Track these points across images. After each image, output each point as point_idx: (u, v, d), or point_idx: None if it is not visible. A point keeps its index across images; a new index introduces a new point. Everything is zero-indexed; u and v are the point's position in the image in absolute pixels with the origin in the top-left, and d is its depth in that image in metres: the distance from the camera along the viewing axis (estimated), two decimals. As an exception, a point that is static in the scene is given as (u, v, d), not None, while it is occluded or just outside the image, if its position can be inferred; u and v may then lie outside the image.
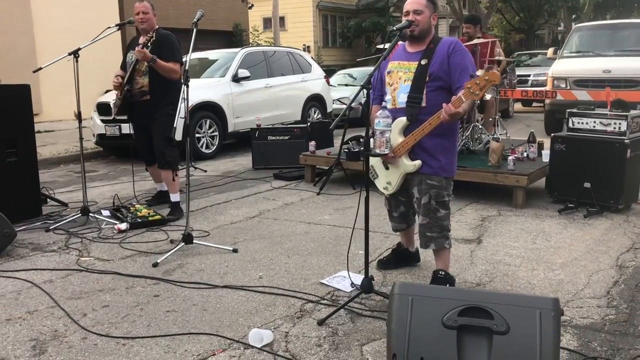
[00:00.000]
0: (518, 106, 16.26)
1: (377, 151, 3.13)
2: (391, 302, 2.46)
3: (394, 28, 3.25)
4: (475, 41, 6.45)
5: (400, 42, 3.44)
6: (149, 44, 4.96)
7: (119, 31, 5.09)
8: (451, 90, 3.31)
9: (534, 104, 16.40)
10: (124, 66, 5.36)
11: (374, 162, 3.59)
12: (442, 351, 2.31)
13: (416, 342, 2.34)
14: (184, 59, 4.43)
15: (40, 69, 4.82)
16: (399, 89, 3.38)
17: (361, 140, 3.29)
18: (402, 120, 3.34)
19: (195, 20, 4.16)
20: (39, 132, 11.91)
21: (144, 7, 5.09)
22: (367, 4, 29.61)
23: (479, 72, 3.10)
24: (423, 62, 3.32)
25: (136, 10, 5.11)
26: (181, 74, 4.13)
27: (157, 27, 5.24)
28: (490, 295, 2.43)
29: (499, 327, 2.29)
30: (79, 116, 5.02)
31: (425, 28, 3.33)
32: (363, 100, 3.17)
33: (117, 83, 5.16)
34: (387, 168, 3.52)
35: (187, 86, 4.10)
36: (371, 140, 3.22)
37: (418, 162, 3.35)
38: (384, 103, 3.36)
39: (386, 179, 3.56)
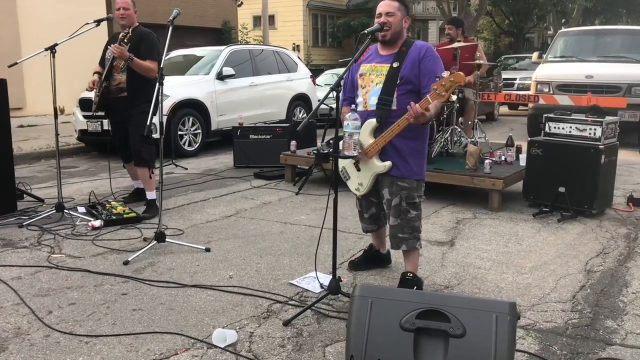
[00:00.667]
0: (504, 109, 16.36)
1: (346, 153, 3.15)
2: (351, 303, 2.47)
3: (365, 31, 3.27)
4: (456, 44, 6.48)
5: (372, 45, 3.46)
6: (125, 40, 4.94)
7: (107, 26, 5.06)
8: (420, 94, 3.35)
9: (520, 108, 16.48)
10: (102, 62, 5.34)
11: (346, 163, 3.61)
12: (399, 353, 2.33)
13: (374, 344, 2.36)
14: (161, 58, 4.42)
15: (16, 63, 4.79)
16: (370, 92, 3.40)
17: (331, 141, 3.29)
18: (372, 122, 3.36)
19: (171, 17, 4.15)
20: (21, 126, 11.89)
21: (124, 2, 5.07)
22: (357, 4, 29.66)
23: (445, 74, 3.12)
24: (395, 65, 3.34)
25: (117, 5, 5.09)
26: (160, 71, 4.11)
27: (137, 24, 5.22)
28: (449, 299, 2.45)
29: (455, 331, 2.31)
30: (55, 112, 4.99)
31: (397, 30, 3.35)
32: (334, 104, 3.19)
33: (91, 86, 5.14)
34: (358, 169, 3.54)
35: (162, 84, 4.07)
36: (340, 142, 3.23)
37: (388, 163, 3.37)
38: (353, 106, 3.37)
39: (358, 180, 3.58)
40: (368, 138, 3.37)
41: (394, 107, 3.32)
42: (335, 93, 3.10)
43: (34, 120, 12.47)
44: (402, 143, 3.35)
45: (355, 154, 3.17)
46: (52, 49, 4.81)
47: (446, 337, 2.31)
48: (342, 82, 3.17)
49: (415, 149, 3.42)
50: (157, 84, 4.06)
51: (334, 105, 3.39)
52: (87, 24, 4.97)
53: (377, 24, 3.33)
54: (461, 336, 2.30)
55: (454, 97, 5.85)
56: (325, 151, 3.45)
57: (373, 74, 3.41)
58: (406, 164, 3.38)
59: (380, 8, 3.33)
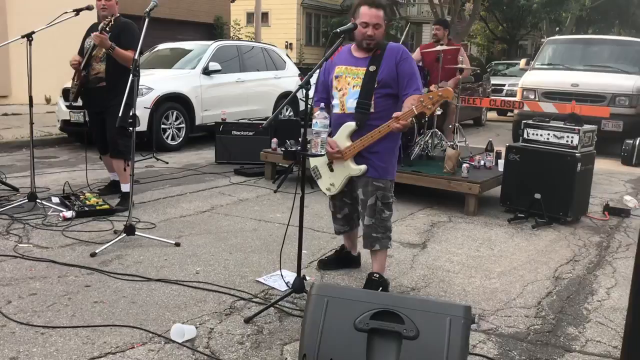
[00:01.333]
0: (493, 115, 16.39)
1: (313, 151, 3.13)
2: (308, 302, 2.46)
3: (338, 30, 3.25)
4: (439, 47, 6.48)
5: (344, 45, 3.45)
6: (107, 29, 4.89)
7: (94, 15, 5.03)
8: (397, 96, 3.35)
9: (509, 114, 16.55)
10: (81, 52, 5.29)
11: (318, 162, 3.60)
12: (352, 353, 2.32)
13: (327, 343, 2.34)
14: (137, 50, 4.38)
15: (-9, 50, 4.73)
16: (347, 94, 3.40)
17: (299, 139, 3.29)
18: (351, 125, 3.36)
19: (147, 9, 4.12)
20: (5, 114, 11.77)
21: None
22: (351, 4, 29.60)
23: (432, 87, 3.16)
24: (371, 68, 3.34)
25: None
26: (134, 63, 4.07)
27: (118, 14, 5.18)
28: (404, 300, 2.45)
29: (408, 332, 2.30)
30: (30, 100, 4.95)
31: (379, 41, 3.36)
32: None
33: (75, 62, 5.08)
34: (331, 170, 3.54)
35: (137, 76, 4.04)
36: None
37: (363, 167, 3.39)
38: (322, 106, 3.35)
39: (329, 180, 3.58)
40: (345, 141, 3.38)
41: (372, 109, 3.34)
42: (304, 91, 3.08)
43: (18, 109, 12.34)
44: (379, 145, 3.35)
45: (323, 152, 3.16)
46: (28, 36, 4.76)
47: (399, 338, 2.30)
48: (317, 80, 3.16)
49: (390, 149, 3.44)
50: (131, 75, 4.02)
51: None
52: (66, 12, 4.93)
53: (350, 24, 3.32)
54: (414, 338, 2.29)
55: (439, 112, 5.91)
56: (293, 149, 3.43)
57: (349, 77, 3.41)
58: (382, 165, 3.40)
59: (367, 18, 3.29)
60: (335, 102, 3.47)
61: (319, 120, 3.10)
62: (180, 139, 8.96)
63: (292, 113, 11.30)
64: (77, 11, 4.99)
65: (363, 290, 2.85)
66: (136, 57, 4.09)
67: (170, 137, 8.78)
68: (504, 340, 3.01)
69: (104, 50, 4.96)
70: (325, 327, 2.37)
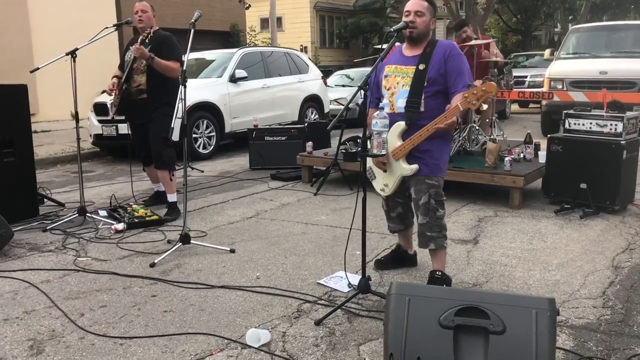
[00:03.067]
0: (515, 107, 16.30)
1: (375, 152, 3.14)
2: (388, 302, 2.47)
3: (391, 29, 3.27)
4: (472, 42, 6.46)
5: (397, 44, 3.46)
6: (146, 40, 4.96)
7: (116, 31, 5.10)
8: (447, 94, 3.35)
9: (531, 105, 16.45)
10: (122, 66, 5.37)
11: (372, 164, 3.61)
12: (439, 351, 2.32)
13: (413, 341, 2.35)
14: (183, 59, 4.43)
15: (38, 69, 4.82)
16: (397, 94, 3.40)
17: (358, 140, 3.29)
18: (401, 124, 3.37)
19: (192, 20, 4.18)
20: (35, 132, 11.88)
21: (143, 6, 5.10)
22: (364, 5, 29.63)
23: (477, 83, 3.14)
24: (421, 67, 3.34)
25: (135, 9, 5.12)
26: (182, 74, 4.13)
27: (157, 27, 5.25)
28: (487, 295, 2.44)
29: (495, 327, 2.30)
30: (76, 116, 5.02)
31: (423, 32, 3.35)
32: (360, 101, 3.19)
33: (110, 88, 5.16)
34: (384, 170, 3.54)
35: (185, 86, 4.09)
36: (368, 141, 3.22)
37: (415, 167, 3.38)
38: (381, 105, 3.36)
39: (383, 181, 3.59)
40: (396, 140, 3.38)
41: (421, 109, 3.33)
42: (362, 92, 3.10)
43: (47, 126, 12.52)
44: (431, 142, 3.35)
45: (384, 152, 3.17)
46: (72, 53, 4.84)
47: (486, 334, 2.30)
48: (369, 81, 3.16)
49: (442, 147, 3.44)
50: (181, 85, 4.07)
51: (351, 106, 3.39)
52: (107, 27, 5.00)
53: (402, 22, 3.33)
54: (501, 333, 2.29)
55: (485, 107, 5.87)
56: (353, 150, 3.44)
57: (398, 76, 3.41)
58: (434, 162, 3.39)
59: (410, 6, 3.32)
60: (384, 101, 3.47)
61: (379, 120, 3.11)
62: (212, 147, 9.03)
63: (317, 116, 11.36)
64: (117, 26, 5.09)
65: (442, 287, 2.85)
66: (184, 67, 4.14)
67: (201, 146, 8.85)
68: (577, 332, 3.00)
69: (144, 62, 5.02)
70: (410, 326, 2.37)
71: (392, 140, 3.39)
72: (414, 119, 3.34)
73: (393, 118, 3.38)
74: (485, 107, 6.07)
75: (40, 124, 12.94)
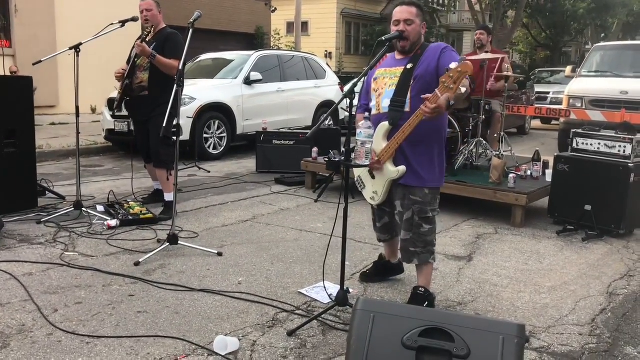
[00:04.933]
0: (537, 123, 16.06)
1: (358, 162, 3.07)
2: (353, 317, 2.39)
3: (383, 38, 3.19)
4: (483, 56, 6.35)
5: (390, 54, 3.39)
6: (147, 39, 4.96)
7: (139, 27, 5.13)
8: None
9: (553, 122, 16.17)
10: (129, 62, 5.37)
11: (361, 172, 3.53)
12: (400, 372, 2.24)
13: (374, 360, 2.27)
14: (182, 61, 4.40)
15: (40, 62, 4.84)
16: (383, 94, 3.31)
17: (342, 150, 3.22)
18: (385, 125, 3.25)
19: (191, 20, 4.15)
20: (53, 124, 12.10)
21: (147, 4, 5.11)
22: (391, 13, 29.55)
23: (453, 65, 2.94)
24: (409, 66, 3.25)
25: (140, 8, 5.13)
26: (178, 74, 4.10)
27: (164, 25, 5.25)
28: (454, 318, 2.35)
29: (459, 351, 2.21)
30: (76, 110, 5.03)
31: (415, 40, 3.26)
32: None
33: (119, 74, 5.17)
34: (373, 177, 3.45)
35: (180, 86, 4.07)
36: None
37: (402, 168, 3.24)
38: (367, 114, 3.29)
39: (372, 189, 3.50)
40: (381, 142, 3.27)
41: (407, 109, 3.20)
42: (349, 100, 3.03)
43: (65, 119, 12.68)
44: (410, 149, 3.24)
45: (367, 162, 3.09)
46: (76, 48, 4.85)
47: (449, 357, 2.21)
48: (356, 90, 3.08)
49: (425, 155, 3.27)
50: (175, 85, 4.05)
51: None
52: (112, 24, 5.01)
53: (395, 32, 3.25)
54: (465, 357, 2.20)
55: (463, 90, 5.70)
56: (337, 159, 3.37)
57: (387, 77, 3.33)
58: (415, 174, 3.26)
59: (398, 15, 3.24)
60: (372, 103, 3.39)
61: (364, 130, 3.04)
62: (222, 148, 9.03)
63: (331, 122, 11.28)
64: (123, 22, 5.07)
65: (410, 306, 2.76)
66: (180, 67, 4.10)
67: (212, 146, 8.85)
68: (558, 360, 2.88)
69: (147, 59, 5.01)
70: (372, 344, 2.29)
71: (377, 142, 3.26)
72: (397, 119, 3.19)
73: (379, 118, 3.27)
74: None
75: (59, 116, 13.14)
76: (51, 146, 9.20)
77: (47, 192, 5.85)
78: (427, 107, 2.94)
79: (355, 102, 3.10)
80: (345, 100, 3.04)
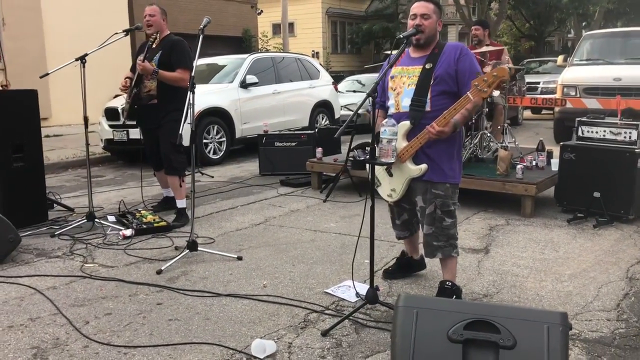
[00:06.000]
0: (527, 114, 16.17)
1: (383, 160, 3.09)
2: (396, 314, 2.42)
3: (401, 35, 3.21)
4: (484, 49, 6.40)
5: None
6: (152, 46, 4.96)
7: (128, 36, 5.11)
8: (456, 95, 3.28)
9: (544, 112, 16.31)
10: (133, 69, 5.36)
11: (377, 170, 3.54)
12: (448, 365, 2.26)
13: (421, 355, 2.30)
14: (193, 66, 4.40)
15: (48, 74, 4.82)
16: (402, 94, 3.33)
17: (367, 148, 3.23)
18: (406, 124, 3.27)
19: (201, 26, 4.15)
20: (47, 136, 11.98)
21: (151, 10, 5.09)
22: (376, 10, 29.61)
23: (487, 69, 3.03)
24: (427, 66, 3.28)
25: (144, 13, 5.11)
26: (191, 80, 4.10)
27: (168, 32, 5.24)
28: (497, 309, 2.38)
29: (505, 342, 2.24)
30: (85, 121, 5.00)
31: (431, 35, 3.29)
32: (370, 108, 3.14)
33: (124, 84, 5.15)
34: (390, 175, 3.46)
35: (193, 92, 4.07)
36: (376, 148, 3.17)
37: (424, 166, 3.28)
38: (389, 113, 3.31)
39: (390, 186, 3.50)
40: (401, 141, 3.29)
41: (427, 108, 3.25)
42: (371, 99, 3.05)
43: (59, 130, 12.60)
44: (436, 148, 3.28)
45: (393, 160, 3.12)
46: (82, 59, 4.84)
47: (496, 348, 2.24)
48: (377, 88, 3.11)
49: (449, 153, 3.34)
50: (189, 91, 4.05)
51: (360, 112, 3.33)
52: (117, 33, 5.00)
53: (412, 29, 3.27)
54: (512, 347, 2.23)
55: (496, 93, 5.70)
56: (362, 158, 3.39)
57: (405, 76, 3.35)
58: (438, 168, 3.30)
59: (416, 9, 3.27)
60: (390, 102, 3.40)
61: (388, 128, 3.06)
62: (222, 152, 9.02)
63: (327, 122, 11.32)
64: (127, 31, 5.08)
65: (451, 300, 2.80)
66: (192, 73, 4.10)
67: (212, 151, 8.84)
68: (591, 346, 2.92)
69: (153, 68, 5.00)
70: (417, 340, 2.32)
71: (398, 141, 3.30)
72: (418, 118, 3.24)
73: (398, 117, 3.29)
74: (496, 93, 5.94)
75: (52, 128, 13.04)
76: (49, 159, 9.12)
77: (54, 205, 5.82)
78: (434, 128, 3.09)
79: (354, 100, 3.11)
80: (368, 99, 3.04)
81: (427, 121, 3.21)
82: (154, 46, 5.03)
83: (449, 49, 3.30)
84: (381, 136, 3.08)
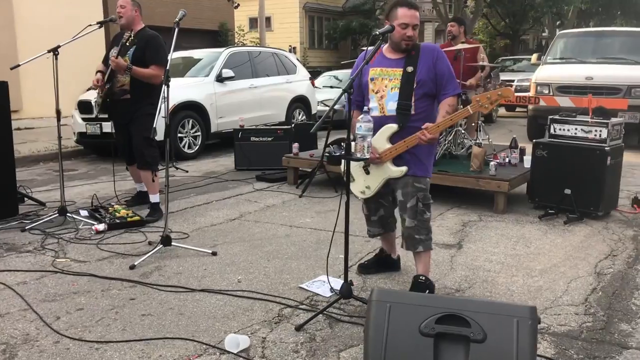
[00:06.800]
0: (502, 111, 16.38)
1: (358, 155, 3.11)
2: (369, 308, 2.44)
3: (377, 32, 3.23)
4: (459, 46, 6.46)
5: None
6: (127, 43, 4.90)
7: (102, 28, 5.04)
8: (435, 97, 3.35)
9: (518, 109, 16.52)
10: (106, 61, 5.28)
11: (352, 166, 3.57)
12: (419, 359, 2.29)
13: (393, 349, 2.32)
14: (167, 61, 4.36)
15: (19, 65, 4.74)
16: (386, 97, 3.37)
17: (342, 144, 3.26)
18: (393, 127, 3.34)
19: (177, 19, 4.11)
20: (18, 129, 11.78)
21: (122, 1, 5.03)
22: (353, 6, 29.67)
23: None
24: (409, 69, 3.33)
25: (117, 4, 5.04)
26: (165, 73, 4.06)
27: (142, 26, 5.17)
28: (468, 303, 2.42)
29: (476, 335, 2.27)
30: (57, 115, 4.93)
31: (415, 41, 3.35)
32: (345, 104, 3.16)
33: (95, 83, 5.09)
34: (367, 172, 3.50)
35: (168, 86, 4.03)
36: (352, 144, 3.19)
37: (404, 168, 3.37)
38: (366, 109, 3.33)
39: (365, 183, 3.54)
40: (385, 143, 3.35)
41: (412, 111, 3.33)
42: (346, 95, 3.06)
43: (30, 123, 12.37)
44: (416, 145, 3.33)
45: (368, 156, 3.13)
46: (54, 51, 4.76)
47: (467, 342, 2.28)
48: (353, 84, 3.13)
49: (429, 149, 3.43)
50: (164, 85, 4.01)
51: (337, 107, 3.36)
52: (90, 25, 4.93)
53: (388, 26, 3.30)
54: (482, 341, 2.27)
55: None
56: (337, 154, 3.40)
57: (385, 79, 3.38)
58: (421, 164, 3.39)
59: (409, 19, 3.27)
60: (373, 104, 3.43)
61: (363, 124, 3.07)
62: (197, 147, 8.96)
63: (304, 117, 11.32)
64: (101, 23, 5.00)
65: (424, 294, 2.83)
66: (167, 67, 4.06)
67: (186, 146, 8.78)
68: (559, 340, 2.98)
69: (127, 63, 4.94)
70: (390, 334, 2.35)
71: (381, 142, 3.35)
72: (406, 122, 3.33)
73: (384, 121, 3.35)
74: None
75: (23, 121, 12.78)
76: (20, 152, 8.95)
77: (25, 199, 5.72)
78: (425, 136, 3.21)
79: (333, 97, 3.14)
80: (343, 95, 3.06)
81: (412, 123, 3.31)
82: (127, 44, 4.96)
83: (425, 51, 3.36)
84: (356, 132, 3.10)
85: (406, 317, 2.37)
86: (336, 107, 3.29)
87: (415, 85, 3.30)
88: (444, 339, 2.30)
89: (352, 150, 3.12)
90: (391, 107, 3.34)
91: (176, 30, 4.09)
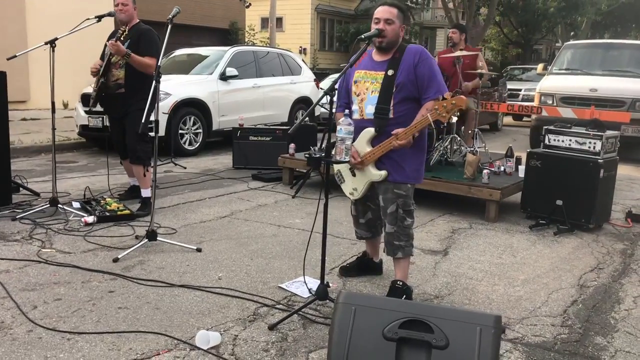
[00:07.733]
0: (509, 120, 16.30)
1: (338, 158, 3.12)
2: (335, 310, 2.45)
3: (362, 36, 3.24)
4: (458, 53, 6.45)
5: (368, 49, 3.44)
6: (122, 38, 4.94)
7: (113, 21, 5.07)
8: (418, 100, 3.33)
9: (525, 119, 16.44)
10: (103, 57, 5.32)
11: (341, 167, 3.59)
12: (381, 363, 2.30)
13: (355, 352, 2.33)
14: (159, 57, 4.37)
15: (15, 56, 4.77)
16: (366, 100, 3.37)
17: (322, 146, 3.27)
18: (370, 131, 3.34)
19: (170, 16, 4.14)
20: (24, 119, 11.90)
21: None
22: (366, 9, 29.63)
23: (447, 95, 3.13)
24: (389, 72, 3.31)
25: (116, 1, 5.08)
26: (157, 69, 4.08)
27: (137, 21, 5.21)
28: (434, 310, 2.41)
29: (438, 342, 2.28)
30: (52, 106, 4.98)
31: (393, 39, 3.33)
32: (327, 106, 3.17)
33: (95, 69, 5.12)
34: (354, 175, 3.52)
35: (158, 82, 4.05)
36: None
37: (384, 173, 3.36)
38: (347, 112, 3.34)
39: (352, 185, 3.56)
40: (365, 146, 3.36)
41: (391, 115, 3.31)
42: (329, 97, 3.07)
43: (37, 114, 12.47)
44: (399, 149, 3.32)
45: (347, 159, 3.15)
46: (52, 43, 4.80)
47: (429, 348, 2.28)
48: (336, 86, 3.13)
49: (412, 154, 3.38)
50: (154, 81, 4.03)
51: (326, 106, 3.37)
52: (88, 19, 4.96)
53: (374, 30, 3.30)
54: (444, 348, 2.27)
55: (455, 119, 5.89)
56: (317, 155, 3.41)
57: (367, 81, 3.38)
58: (401, 170, 3.36)
59: (380, 14, 3.30)
60: (354, 107, 3.44)
61: (344, 126, 3.09)
62: (198, 144, 8.99)
63: (307, 118, 11.31)
64: (99, 17, 5.03)
65: (390, 298, 2.83)
66: (159, 63, 4.09)
67: (187, 142, 8.81)
68: (531, 350, 2.97)
69: (121, 57, 4.98)
70: (354, 336, 2.35)
71: (361, 146, 3.37)
72: (383, 126, 3.31)
73: (362, 124, 3.36)
74: (454, 120, 6.08)
75: (30, 111, 12.91)
76: (23, 142, 9.05)
77: (20, 189, 5.77)
78: (397, 142, 3.23)
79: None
80: (325, 97, 3.07)
81: (391, 127, 3.29)
82: (122, 38, 4.99)
83: (408, 53, 3.34)
84: (337, 134, 3.11)
85: (371, 320, 2.37)
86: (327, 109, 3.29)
87: (394, 89, 3.28)
88: (406, 344, 2.31)
89: (333, 152, 3.14)
90: (369, 110, 3.34)
91: (169, 27, 4.11)
